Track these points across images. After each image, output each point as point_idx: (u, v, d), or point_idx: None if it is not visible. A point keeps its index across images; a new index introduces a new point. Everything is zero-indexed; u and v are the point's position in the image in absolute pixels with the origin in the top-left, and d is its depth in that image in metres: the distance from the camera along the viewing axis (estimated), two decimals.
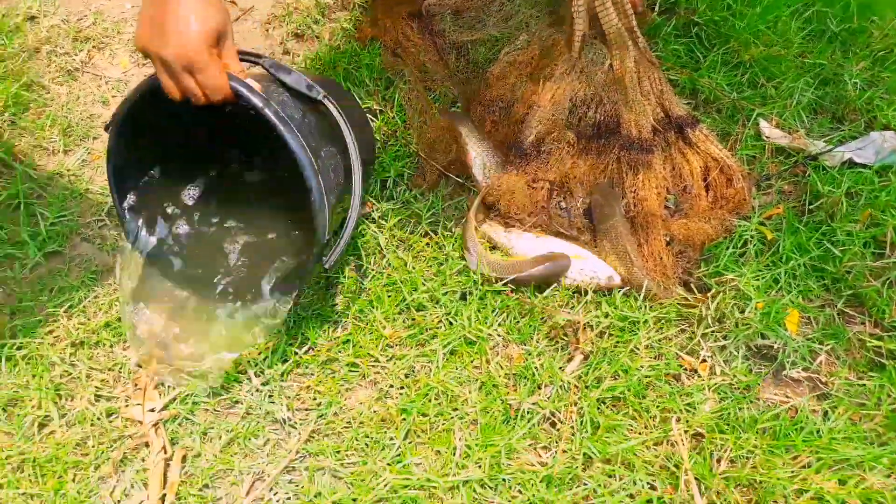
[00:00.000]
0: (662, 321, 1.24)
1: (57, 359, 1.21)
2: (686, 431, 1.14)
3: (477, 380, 1.20)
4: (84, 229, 1.35)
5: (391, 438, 1.15)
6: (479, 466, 1.11)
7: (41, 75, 1.52)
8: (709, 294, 1.26)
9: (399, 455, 1.13)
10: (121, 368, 1.21)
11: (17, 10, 1.59)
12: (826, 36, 1.68)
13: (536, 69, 1.40)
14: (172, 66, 0.94)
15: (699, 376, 1.20)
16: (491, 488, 1.09)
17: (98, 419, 1.17)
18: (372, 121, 1.46)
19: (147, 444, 1.15)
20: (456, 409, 1.17)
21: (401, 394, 1.19)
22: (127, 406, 1.18)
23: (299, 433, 1.16)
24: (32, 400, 1.17)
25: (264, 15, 1.65)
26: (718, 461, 1.11)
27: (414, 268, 1.30)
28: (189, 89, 0.97)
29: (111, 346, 1.24)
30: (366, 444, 1.15)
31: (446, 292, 1.27)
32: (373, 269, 1.32)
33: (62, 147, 1.44)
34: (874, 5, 1.77)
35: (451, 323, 1.25)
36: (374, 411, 1.17)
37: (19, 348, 1.22)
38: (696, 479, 1.08)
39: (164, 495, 1.11)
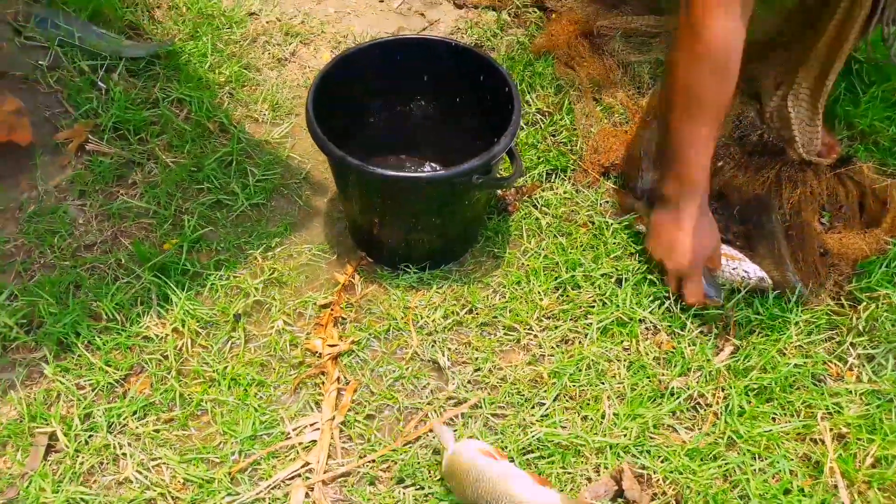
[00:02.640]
0: (812, 325, 1.28)
1: (252, 290, 1.38)
2: (831, 430, 1.17)
3: (626, 359, 1.28)
4: (284, 188, 1.55)
5: (541, 398, 1.24)
6: (625, 435, 1.18)
7: (257, 60, 1.76)
8: (860, 307, 1.30)
9: (548, 413, 1.22)
10: (305, 306, 1.37)
11: (241, 6, 1.86)
12: None
13: None
14: (671, 272, 1.32)
15: (845, 382, 1.23)
16: (636, 455, 1.16)
17: (282, 348, 1.32)
18: (542, 122, 1.61)
19: (323, 373, 1.29)
20: (604, 382, 1.25)
21: (553, 360, 1.29)
22: (307, 338, 1.34)
23: (457, 382, 1.27)
24: (227, 324, 1.35)
25: (449, 27, 1.85)
26: (862, 461, 1.13)
27: (571, 250, 1.41)
28: (677, 289, 1.32)
29: (298, 287, 1.40)
30: (517, 400, 1.24)
31: (602, 275, 1.37)
32: (532, 249, 1.44)
33: (270, 119, 1.66)
34: None
35: (604, 304, 1.34)
36: (527, 372, 1.27)
37: (220, 278, 1.40)
38: (840, 472, 1.11)
39: (334, 417, 1.24)
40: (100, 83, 1.62)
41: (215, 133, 1.61)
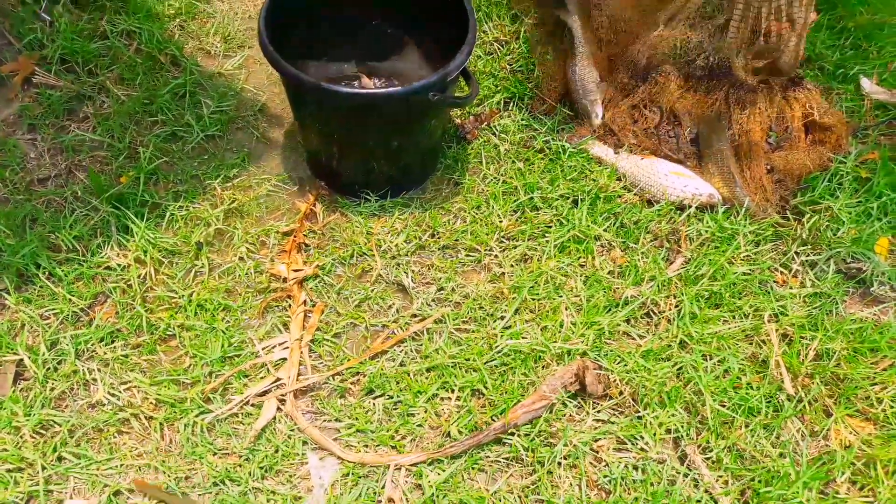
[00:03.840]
0: (759, 237, 1.35)
1: (213, 220, 1.38)
2: (776, 331, 1.24)
3: (582, 273, 1.33)
4: (240, 120, 1.54)
5: (503, 311, 1.28)
6: (583, 341, 1.23)
7: None
8: (804, 219, 1.36)
9: (509, 325, 1.27)
10: (267, 235, 1.38)
11: None
12: None
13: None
14: None
15: (790, 286, 1.30)
16: (594, 359, 1.22)
17: (246, 274, 1.33)
18: (499, 50, 1.62)
19: (289, 297, 1.31)
20: (562, 295, 1.30)
21: (513, 277, 1.33)
22: (272, 264, 1.35)
23: (421, 300, 1.30)
24: (189, 252, 1.35)
25: None
26: (805, 356, 1.21)
27: (529, 175, 1.44)
28: None
29: (259, 217, 1.41)
30: (480, 315, 1.28)
31: (559, 196, 1.40)
32: (492, 175, 1.46)
33: (222, 52, 1.63)
34: None
35: (561, 223, 1.38)
36: (488, 289, 1.31)
37: (180, 209, 1.39)
38: (785, 366, 1.19)
39: (302, 337, 1.26)
40: (43, 14, 1.57)
41: (167, 66, 1.58)
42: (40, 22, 1.56)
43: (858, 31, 1.67)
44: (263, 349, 1.23)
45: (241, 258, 1.35)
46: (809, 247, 1.34)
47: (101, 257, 1.30)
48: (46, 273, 1.27)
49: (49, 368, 1.17)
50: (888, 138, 1.51)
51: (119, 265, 1.30)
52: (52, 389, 1.15)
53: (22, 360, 1.17)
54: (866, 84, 1.57)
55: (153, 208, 1.37)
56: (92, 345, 1.21)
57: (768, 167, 1.42)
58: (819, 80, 1.61)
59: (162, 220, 1.36)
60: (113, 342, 1.22)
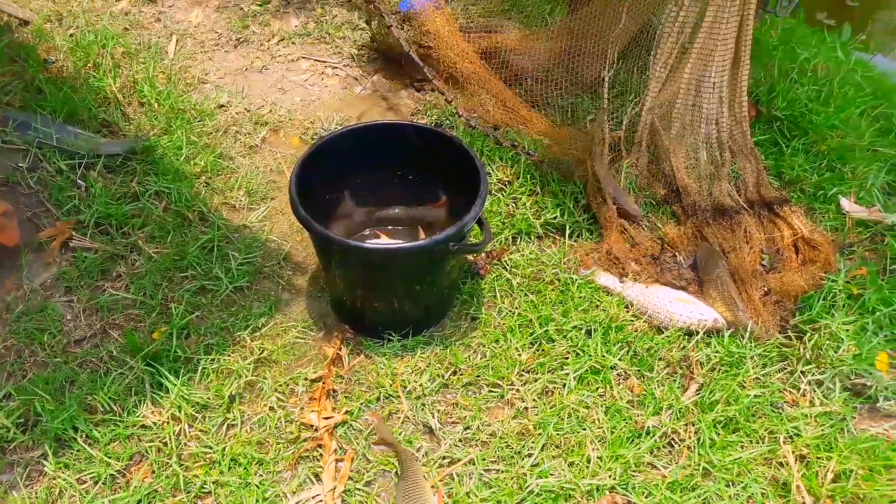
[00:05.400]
0: (766, 358, 1.42)
1: (243, 371, 1.44)
2: (793, 452, 1.29)
3: (603, 404, 1.38)
4: (265, 270, 1.63)
5: (530, 448, 1.32)
6: (610, 475, 1.27)
7: (229, 149, 1.86)
8: (805, 338, 1.44)
9: (537, 463, 1.30)
10: (296, 382, 1.44)
11: (211, 100, 1.97)
12: (893, 132, 1.93)
13: None
14: None
15: (800, 407, 1.36)
16: (622, 493, 1.25)
17: (277, 425, 1.37)
18: (504, 190, 1.74)
19: (320, 446, 1.35)
20: (585, 428, 1.35)
21: (536, 412, 1.38)
22: (302, 413, 1.39)
23: (449, 442, 1.34)
24: (221, 406, 1.40)
25: (410, 108, 2.01)
26: (824, 477, 1.25)
27: (542, 307, 1.52)
28: None
29: (288, 365, 1.47)
30: (507, 454, 1.32)
31: (573, 327, 1.48)
32: (507, 308, 1.54)
33: (247, 205, 1.75)
34: None
35: (577, 354, 1.45)
36: (513, 426, 1.36)
37: (211, 362, 1.46)
38: (806, 490, 1.22)
39: (335, 488, 1.29)
40: (79, 181, 1.69)
41: (195, 222, 1.69)
42: (76, 189, 1.67)
43: (832, 154, 1.81)
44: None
45: (271, 408, 1.40)
46: (814, 365, 1.41)
47: (137, 416, 1.35)
48: (83, 436, 1.31)
49: None
50: (873, 253, 1.62)
51: (154, 423, 1.34)
52: None
53: None
54: (845, 204, 1.69)
55: (186, 363, 1.43)
56: None
57: (766, 289, 1.51)
58: (801, 200, 1.74)
59: (195, 375, 1.42)
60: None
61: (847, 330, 1.43)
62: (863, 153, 1.82)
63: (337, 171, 1.54)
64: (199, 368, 1.43)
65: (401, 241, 1.63)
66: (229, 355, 1.46)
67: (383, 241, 1.61)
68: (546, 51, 1.97)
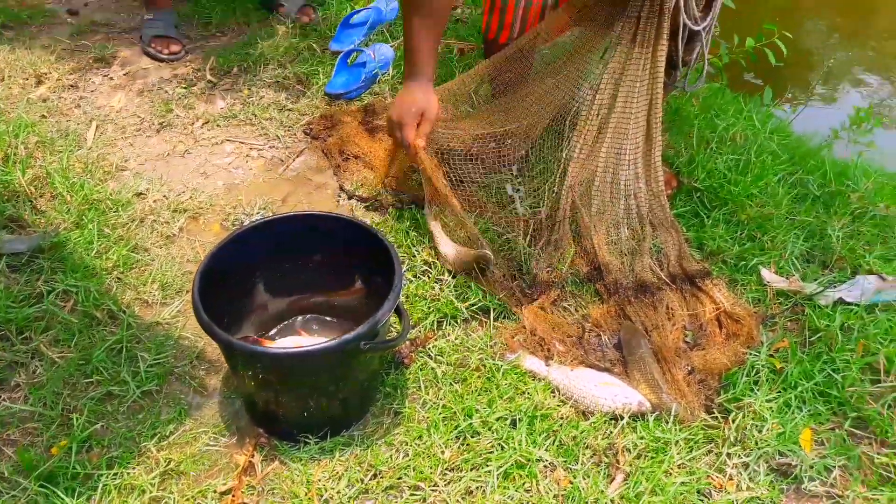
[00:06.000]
0: (691, 442, 1.39)
1: (148, 486, 1.35)
2: None
3: (529, 501, 1.33)
4: (177, 370, 1.55)
5: None
6: None
7: (145, 240, 1.80)
8: (729, 417, 1.42)
9: None
10: (205, 496, 1.35)
11: (128, 188, 1.91)
12: (809, 198, 1.97)
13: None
14: (388, 122, 1.72)
15: (727, 492, 1.32)
16: None
17: None
18: (429, 272, 1.72)
19: None
20: None
21: None
22: None
23: None
24: None
25: (336, 190, 1.98)
26: None
27: (467, 397, 1.47)
28: (392, 136, 1.73)
29: (197, 476, 1.38)
30: None
31: (497, 418, 1.43)
32: (431, 401, 1.49)
33: (160, 300, 1.68)
34: (847, 172, 2.08)
35: (502, 447, 1.40)
36: None
37: (114, 477, 1.36)
38: None
39: None
40: None
41: (104, 321, 1.61)
42: None
43: (752, 224, 1.84)
44: None
45: None
46: (740, 447, 1.38)
47: None
48: None
49: None
50: (795, 323, 1.62)
51: None
52: None
53: None
54: (766, 274, 1.71)
55: (85, 480, 1.34)
56: None
57: (689, 368, 1.49)
58: (724, 272, 1.75)
59: (95, 493, 1.32)
60: None
61: (771, 408, 1.42)
62: (781, 221, 1.85)
63: (251, 264, 1.49)
64: (100, 486, 1.33)
65: (320, 340, 1.58)
66: (134, 468, 1.37)
67: (294, 342, 1.55)
68: (471, 129, 1.98)
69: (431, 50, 1.66)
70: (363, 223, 1.50)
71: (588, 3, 1.74)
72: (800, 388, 1.45)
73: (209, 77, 2.35)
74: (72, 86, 2.30)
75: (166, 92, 2.32)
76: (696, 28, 1.67)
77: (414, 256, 1.76)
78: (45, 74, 2.31)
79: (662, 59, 1.68)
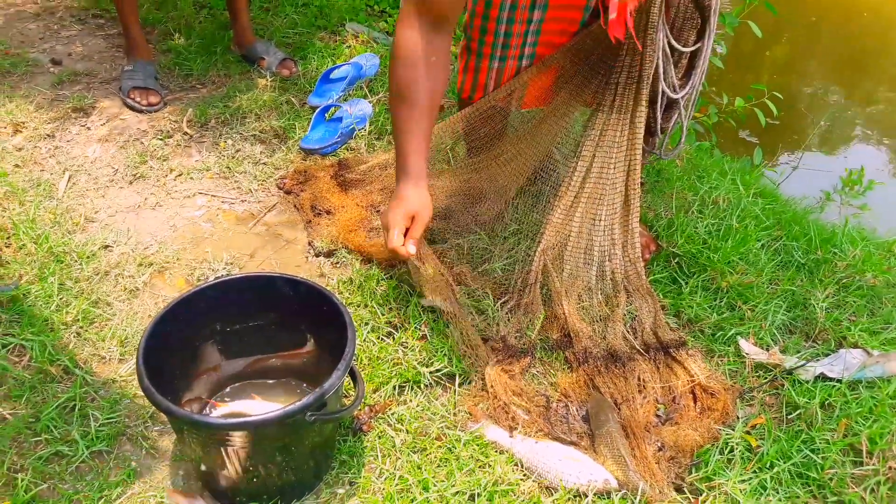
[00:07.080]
0: None
1: None
2: None
3: None
4: (129, 430, 1.49)
5: None
6: None
7: (107, 294, 1.76)
8: (700, 498, 1.34)
9: None
10: None
11: (94, 241, 1.89)
12: (794, 265, 1.92)
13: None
14: (382, 225, 1.60)
15: None
16: None
17: None
18: (393, 334, 1.66)
19: None
20: None
21: None
22: None
23: None
24: None
25: (306, 245, 1.94)
26: None
27: (425, 469, 1.41)
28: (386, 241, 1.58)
29: None
30: None
31: (455, 493, 1.36)
32: (388, 471, 1.42)
33: (118, 356, 1.63)
34: (834, 239, 2.04)
35: None
36: None
37: None
38: None
39: None
40: None
41: (58, 377, 1.56)
42: None
43: (731, 292, 1.78)
44: None
45: None
46: None
47: None
48: None
49: None
50: (774, 398, 1.56)
51: None
52: None
53: None
54: (745, 345, 1.65)
55: None
56: None
57: (659, 444, 1.42)
58: (701, 341, 1.69)
59: None
60: None
61: (744, 489, 1.34)
62: (762, 290, 1.80)
63: (202, 325, 1.45)
64: None
65: (271, 406, 1.52)
66: None
67: (246, 406, 1.50)
68: (446, 188, 1.96)
69: (422, 146, 1.55)
70: (317, 286, 1.45)
71: (566, 69, 1.74)
72: (776, 469, 1.38)
73: (185, 129, 2.35)
74: (48, 135, 2.30)
75: (142, 143, 2.31)
76: (674, 96, 1.65)
77: (379, 317, 1.71)
78: (23, 124, 2.32)
79: (641, 125, 1.66)
